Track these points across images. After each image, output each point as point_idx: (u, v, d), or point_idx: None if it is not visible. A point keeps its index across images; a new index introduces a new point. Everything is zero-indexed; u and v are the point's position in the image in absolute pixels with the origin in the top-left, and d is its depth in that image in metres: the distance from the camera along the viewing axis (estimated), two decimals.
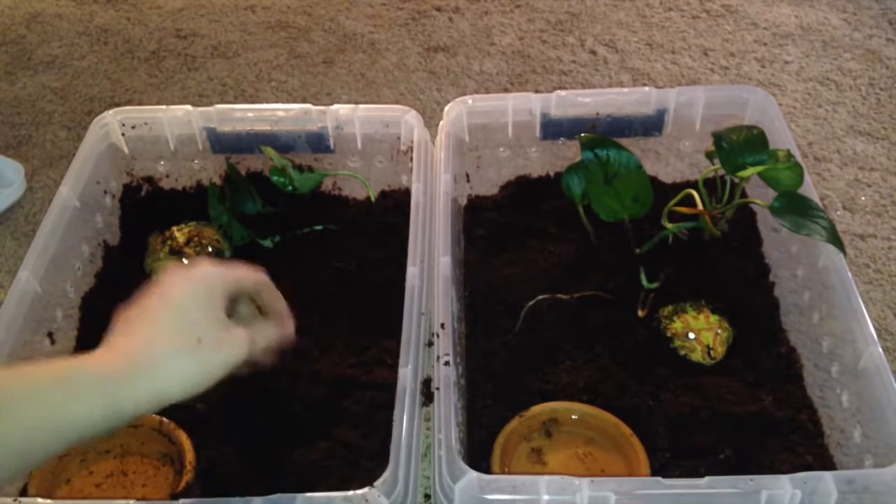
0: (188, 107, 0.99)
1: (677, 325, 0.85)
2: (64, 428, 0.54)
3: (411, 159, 0.95)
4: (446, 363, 0.74)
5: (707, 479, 0.64)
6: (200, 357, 0.61)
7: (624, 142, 0.91)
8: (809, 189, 0.86)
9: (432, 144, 0.97)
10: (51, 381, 0.55)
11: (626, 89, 0.99)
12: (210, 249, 0.95)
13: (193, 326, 0.62)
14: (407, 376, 0.73)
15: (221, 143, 1.00)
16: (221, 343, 0.63)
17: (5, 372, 0.56)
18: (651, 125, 0.99)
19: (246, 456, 0.78)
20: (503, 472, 0.74)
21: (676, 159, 1.03)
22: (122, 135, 1.00)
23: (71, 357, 0.58)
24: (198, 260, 0.71)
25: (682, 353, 0.85)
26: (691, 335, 0.84)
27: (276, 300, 0.74)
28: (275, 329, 0.72)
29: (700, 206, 0.89)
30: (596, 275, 0.91)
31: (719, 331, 0.85)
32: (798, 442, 0.79)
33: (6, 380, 0.54)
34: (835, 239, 0.81)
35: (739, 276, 0.92)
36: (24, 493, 0.76)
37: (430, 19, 1.47)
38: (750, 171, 0.85)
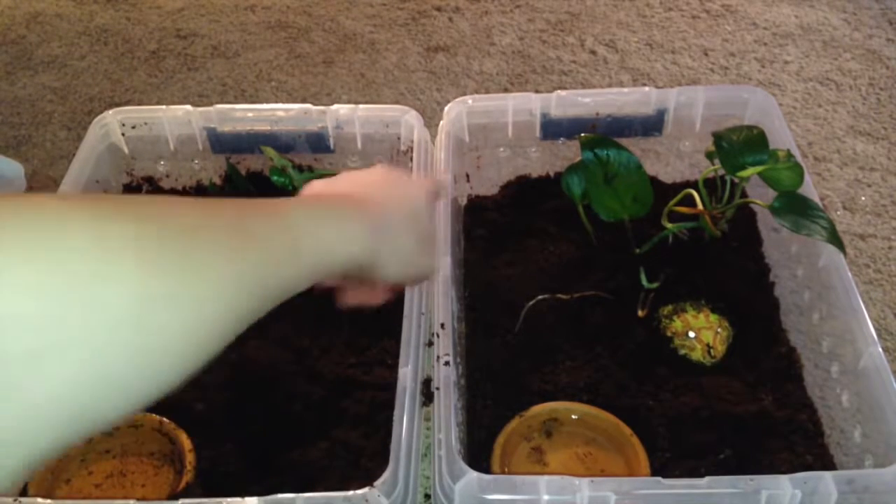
0: (188, 107, 0.99)
1: (677, 324, 0.85)
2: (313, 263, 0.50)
3: (411, 159, 0.95)
4: (446, 363, 0.74)
5: (707, 479, 0.64)
6: (420, 250, 0.63)
7: (624, 142, 0.91)
8: (809, 189, 0.86)
9: (432, 144, 0.97)
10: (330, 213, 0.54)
11: (626, 89, 0.99)
12: None
13: (424, 229, 0.65)
14: (407, 376, 0.73)
15: (221, 143, 1.00)
16: (430, 255, 0.66)
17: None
18: (651, 125, 0.99)
19: (246, 456, 0.78)
20: (503, 472, 0.74)
21: (676, 159, 1.03)
22: (122, 135, 1.00)
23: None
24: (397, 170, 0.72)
25: (682, 352, 0.85)
26: (691, 334, 0.84)
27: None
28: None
29: (700, 206, 0.89)
30: (596, 275, 0.91)
31: (719, 330, 0.85)
32: (798, 442, 0.79)
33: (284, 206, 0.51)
34: (835, 239, 0.81)
35: (739, 276, 0.92)
36: (24, 493, 0.76)
37: (430, 19, 1.47)
38: (750, 171, 0.85)
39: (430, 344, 0.81)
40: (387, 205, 0.61)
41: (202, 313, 0.39)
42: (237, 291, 0.41)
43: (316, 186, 0.64)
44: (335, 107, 0.98)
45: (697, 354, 0.84)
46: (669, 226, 0.90)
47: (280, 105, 0.99)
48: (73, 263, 0.33)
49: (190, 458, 0.76)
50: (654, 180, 1.02)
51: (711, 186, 0.91)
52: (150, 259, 0.36)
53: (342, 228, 0.54)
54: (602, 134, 0.95)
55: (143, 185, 1.04)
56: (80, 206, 0.36)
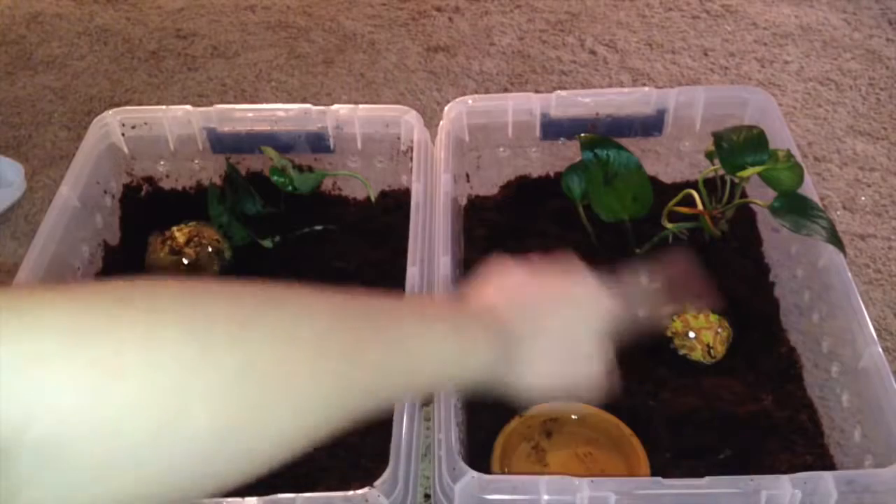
0: (188, 107, 0.99)
1: (677, 324, 0.85)
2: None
3: (411, 159, 0.95)
4: None
5: (707, 479, 0.64)
6: (567, 374, 0.57)
7: (624, 142, 0.91)
8: (809, 189, 0.86)
9: (432, 144, 0.97)
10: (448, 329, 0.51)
11: (625, 89, 0.99)
12: (210, 249, 0.95)
13: (582, 348, 0.58)
14: None
15: (221, 143, 1.00)
16: (597, 381, 0.58)
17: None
18: (651, 125, 0.99)
19: None
20: (503, 472, 0.74)
21: (676, 159, 1.03)
22: (122, 135, 1.00)
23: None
24: (617, 287, 0.65)
25: (682, 352, 0.85)
26: (691, 334, 0.84)
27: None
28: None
29: (700, 206, 0.89)
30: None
31: (719, 330, 0.85)
32: (798, 442, 0.79)
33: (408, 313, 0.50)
34: (835, 239, 0.81)
35: (739, 276, 0.92)
36: None
37: (430, 19, 1.47)
38: (750, 171, 0.85)
39: None
40: (530, 318, 0.56)
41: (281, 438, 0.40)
42: (334, 413, 0.44)
43: (467, 288, 0.60)
44: (335, 107, 0.98)
45: (697, 354, 0.84)
46: (669, 226, 0.90)
47: (280, 105, 0.99)
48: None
49: None
50: (654, 180, 1.01)
51: (711, 186, 0.91)
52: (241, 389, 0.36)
53: (464, 348, 0.51)
54: (602, 134, 0.95)
55: (143, 185, 1.04)
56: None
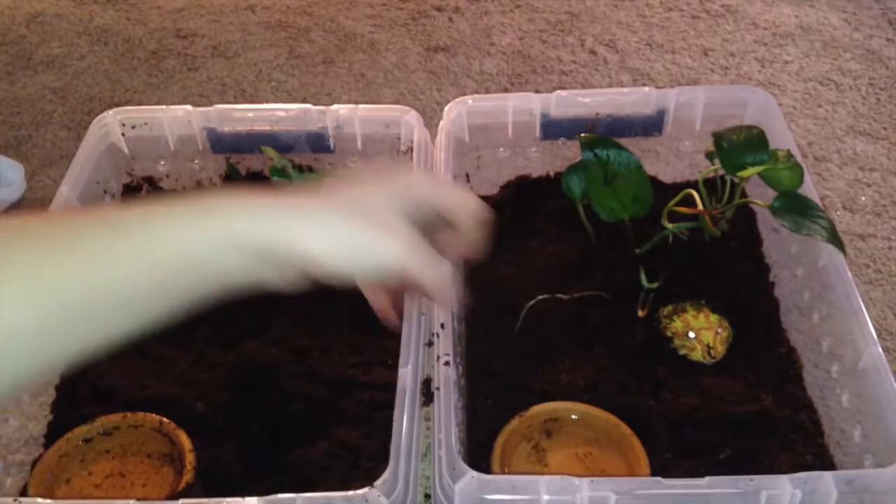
0: (188, 107, 0.99)
1: (677, 324, 0.85)
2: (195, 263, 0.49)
3: (411, 159, 0.95)
4: (446, 363, 0.74)
5: (707, 479, 0.64)
6: (360, 232, 0.54)
7: (624, 142, 0.91)
8: (809, 189, 0.86)
9: (432, 144, 0.97)
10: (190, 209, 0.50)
11: (625, 89, 0.99)
12: None
13: (370, 210, 0.55)
14: (407, 376, 0.73)
15: (221, 143, 1.00)
16: (389, 232, 0.55)
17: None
18: (651, 125, 0.99)
19: (246, 456, 0.78)
20: (503, 472, 0.74)
21: (676, 159, 1.03)
22: (122, 135, 1.00)
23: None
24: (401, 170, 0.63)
25: (682, 352, 0.85)
26: (691, 334, 0.84)
27: (464, 243, 0.64)
28: (446, 271, 0.60)
29: (700, 206, 0.89)
30: (596, 275, 0.91)
31: (719, 330, 0.85)
32: (798, 442, 0.79)
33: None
34: (835, 239, 0.81)
35: (739, 276, 0.92)
36: (24, 493, 0.76)
37: (430, 19, 1.47)
38: (750, 171, 0.85)
39: (430, 344, 0.81)
40: (320, 193, 0.55)
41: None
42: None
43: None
44: (335, 107, 0.98)
45: (697, 354, 0.84)
46: (669, 226, 0.90)
47: (280, 105, 0.99)
48: None
49: (190, 458, 0.76)
50: (654, 180, 1.02)
51: (711, 186, 0.91)
52: None
53: (214, 222, 0.50)
54: (602, 134, 0.95)
55: (143, 185, 1.04)
56: None
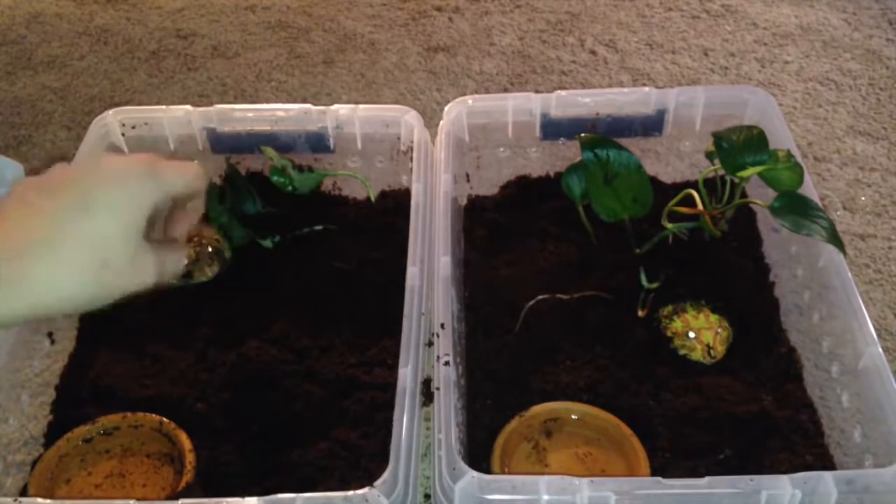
0: (188, 107, 0.99)
1: (677, 324, 0.85)
2: None
3: (411, 159, 0.95)
4: (446, 363, 0.74)
5: (707, 479, 0.64)
6: (99, 281, 0.53)
7: (624, 142, 0.91)
8: (809, 189, 0.86)
9: (432, 144, 0.97)
10: None
11: (625, 89, 0.99)
12: (210, 249, 0.94)
13: (100, 242, 0.54)
14: (407, 376, 0.73)
15: (221, 143, 1.00)
16: (127, 269, 0.55)
17: None
18: (651, 125, 0.99)
19: (246, 456, 0.78)
20: (503, 472, 0.74)
21: (676, 159, 1.03)
22: (122, 135, 1.00)
23: None
24: (114, 156, 0.62)
25: (682, 352, 0.85)
26: (691, 334, 0.84)
27: (189, 218, 0.66)
28: (185, 252, 0.64)
29: (700, 206, 0.89)
30: (596, 275, 0.91)
31: (719, 330, 0.85)
32: (798, 442, 0.79)
33: None
34: (835, 239, 0.81)
35: (739, 276, 0.92)
36: (23, 493, 0.76)
37: (430, 19, 1.47)
38: (750, 171, 0.85)
39: (430, 344, 0.81)
40: (46, 232, 0.53)
41: None
42: None
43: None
44: (335, 107, 0.98)
45: (697, 354, 0.84)
46: (669, 226, 0.90)
47: (280, 105, 0.99)
48: None
49: (190, 458, 0.76)
50: (654, 180, 1.02)
51: (711, 186, 0.91)
52: None
53: None
54: (602, 134, 0.95)
55: None
56: None
